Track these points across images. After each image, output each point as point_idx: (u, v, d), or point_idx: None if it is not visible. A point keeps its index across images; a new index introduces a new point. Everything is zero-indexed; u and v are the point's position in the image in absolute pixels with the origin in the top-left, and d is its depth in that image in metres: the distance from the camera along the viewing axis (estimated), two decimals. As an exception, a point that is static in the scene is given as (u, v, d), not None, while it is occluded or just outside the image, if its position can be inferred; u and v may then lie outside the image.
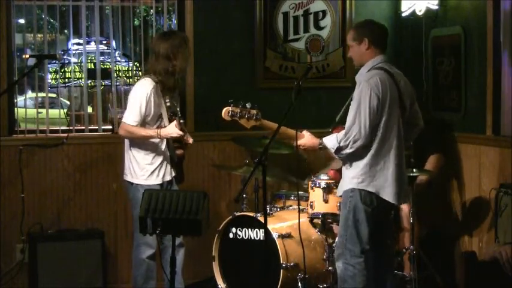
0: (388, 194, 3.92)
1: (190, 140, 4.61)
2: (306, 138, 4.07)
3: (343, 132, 3.91)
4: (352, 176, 3.95)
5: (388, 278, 4.17)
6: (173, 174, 4.57)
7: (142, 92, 4.37)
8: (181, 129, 4.34)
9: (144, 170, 4.48)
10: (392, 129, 3.92)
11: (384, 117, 3.89)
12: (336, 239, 4.14)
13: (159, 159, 4.50)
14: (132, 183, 4.50)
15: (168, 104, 4.53)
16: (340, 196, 4.08)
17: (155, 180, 4.49)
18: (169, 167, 4.55)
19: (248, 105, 4.08)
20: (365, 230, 3.92)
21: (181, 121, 4.40)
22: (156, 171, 4.50)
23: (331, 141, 3.94)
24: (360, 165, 3.92)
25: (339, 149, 3.89)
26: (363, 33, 4.03)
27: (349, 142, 3.86)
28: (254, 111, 4.04)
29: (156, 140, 4.45)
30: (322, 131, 5.62)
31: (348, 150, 3.88)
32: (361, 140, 3.85)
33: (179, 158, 4.59)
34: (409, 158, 4.46)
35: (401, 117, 3.98)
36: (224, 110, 4.07)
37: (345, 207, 3.98)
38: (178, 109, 4.66)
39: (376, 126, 3.88)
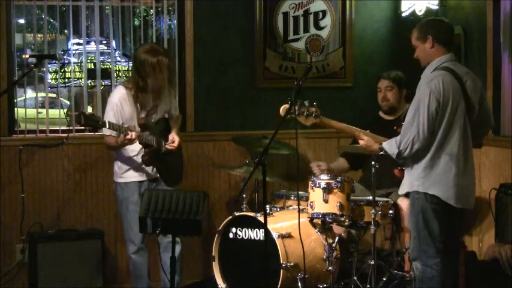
0: (450, 198, 3.85)
1: (173, 146, 4.60)
2: (368, 141, 4.06)
3: (400, 136, 3.85)
4: (413, 178, 3.90)
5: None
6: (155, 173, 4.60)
7: (111, 102, 4.51)
8: (137, 139, 4.33)
9: (120, 168, 4.60)
10: (455, 131, 3.83)
11: (445, 120, 3.80)
12: (410, 242, 4.11)
13: (136, 158, 4.55)
14: (114, 182, 4.65)
15: (145, 111, 4.55)
16: (403, 195, 4.08)
17: (132, 178, 4.56)
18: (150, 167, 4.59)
19: (306, 102, 4.04)
20: (436, 228, 3.87)
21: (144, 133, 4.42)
22: (132, 169, 4.56)
23: (390, 146, 3.89)
24: (420, 168, 3.87)
25: (399, 154, 3.85)
26: (426, 30, 3.92)
27: (408, 145, 3.80)
28: (313, 109, 4.00)
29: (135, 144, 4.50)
30: (322, 131, 5.66)
31: (407, 154, 3.83)
32: (419, 143, 3.79)
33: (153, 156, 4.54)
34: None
35: (469, 118, 3.89)
36: (282, 108, 4.04)
37: (413, 209, 3.93)
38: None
39: (437, 129, 3.81)
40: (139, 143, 4.45)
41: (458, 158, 3.85)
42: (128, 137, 4.31)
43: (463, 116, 3.86)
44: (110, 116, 4.45)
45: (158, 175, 4.60)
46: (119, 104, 4.47)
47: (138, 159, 4.55)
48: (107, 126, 4.26)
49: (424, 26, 3.98)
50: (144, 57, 4.43)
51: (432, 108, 3.77)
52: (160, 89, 4.50)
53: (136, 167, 4.56)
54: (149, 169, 4.58)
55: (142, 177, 4.58)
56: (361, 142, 4.08)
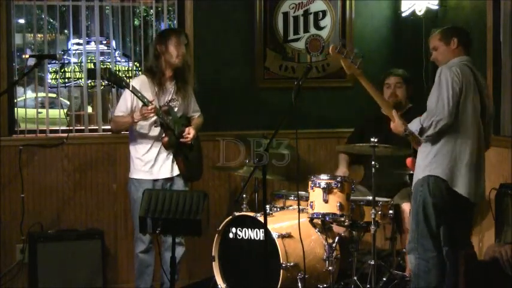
0: (460, 187, 3.90)
1: (188, 137, 4.67)
2: (397, 123, 4.07)
3: (424, 114, 3.90)
4: (425, 165, 3.95)
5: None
6: (176, 172, 4.63)
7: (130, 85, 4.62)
8: (154, 113, 4.44)
9: (134, 164, 4.65)
10: (467, 122, 3.92)
11: (468, 108, 3.89)
12: (408, 234, 4.14)
13: (151, 154, 4.60)
14: (129, 178, 4.69)
15: (167, 99, 4.66)
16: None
17: (145, 175, 4.60)
18: (168, 163, 4.60)
19: (356, 50, 4.19)
20: (435, 224, 3.91)
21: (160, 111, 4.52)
22: (147, 166, 4.60)
23: (415, 124, 3.94)
24: (432, 153, 3.93)
25: (422, 130, 3.88)
26: (451, 33, 4.10)
27: (432, 122, 3.84)
28: (359, 60, 4.05)
29: (150, 135, 4.60)
30: (322, 131, 5.66)
31: (431, 131, 3.87)
32: (444, 119, 3.83)
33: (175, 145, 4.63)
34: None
35: (483, 117, 4.00)
36: (332, 45, 4.10)
37: (415, 201, 3.98)
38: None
39: (456, 110, 3.87)
40: (162, 123, 4.53)
41: (471, 150, 3.92)
42: (152, 108, 4.38)
43: (477, 113, 3.95)
44: (127, 96, 4.56)
45: (174, 175, 4.65)
46: (137, 88, 4.48)
47: (153, 156, 4.59)
48: (130, 88, 4.36)
49: (449, 29, 4.18)
50: (155, 39, 4.71)
51: (456, 89, 3.85)
52: (178, 70, 4.63)
53: (152, 165, 4.61)
54: (166, 169, 4.63)
55: (157, 176, 4.62)
56: (391, 124, 4.12)
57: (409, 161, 4.34)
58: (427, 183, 3.92)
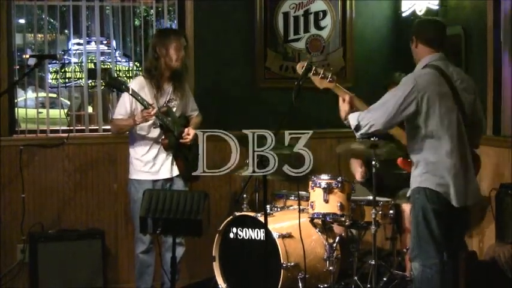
0: (452, 197, 3.79)
1: (188, 138, 4.68)
2: (341, 107, 3.93)
3: (366, 111, 3.80)
4: (416, 175, 3.87)
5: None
6: (175, 172, 4.64)
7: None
8: (154, 116, 4.43)
9: (133, 165, 4.66)
10: (449, 127, 3.76)
11: (436, 118, 3.73)
12: (410, 241, 4.11)
13: (151, 155, 4.61)
14: (129, 179, 4.69)
15: (165, 100, 4.65)
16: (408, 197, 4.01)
17: (145, 176, 4.61)
18: (167, 164, 4.60)
19: (324, 65, 4.05)
20: (437, 229, 3.83)
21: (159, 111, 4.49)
22: (147, 167, 4.61)
23: (353, 118, 3.83)
24: (422, 164, 3.82)
25: (357, 127, 3.79)
26: (412, 32, 3.92)
27: (368, 123, 3.75)
28: (329, 74, 3.94)
29: (149, 136, 4.60)
30: (322, 131, 5.67)
31: (363, 131, 3.78)
32: (377, 125, 3.73)
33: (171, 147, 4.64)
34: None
35: (463, 117, 3.82)
36: (299, 63, 4.01)
37: (414, 208, 3.89)
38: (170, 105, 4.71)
39: (431, 127, 3.74)
40: (161, 124, 4.53)
41: (457, 155, 3.79)
42: (153, 111, 4.38)
43: (456, 115, 3.79)
44: (126, 99, 4.55)
45: (173, 175, 4.66)
46: (135, 90, 4.46)
47: (152, 157, 4.61)
48: (130, 92, 4.35)
49: (412, 27, 3.98)
50: (155, 40, 4.63)
51: (408, 100, 3.70)
52: (176, 71, 4.59)
53: (151, 166, 4.61)
54: (165, 169, 4.64)
55: (157, 177, 4.62)
56: (339, 102, 3.97)
57: (399, 160, 4.34)
58: (424, 190, 3.83)
